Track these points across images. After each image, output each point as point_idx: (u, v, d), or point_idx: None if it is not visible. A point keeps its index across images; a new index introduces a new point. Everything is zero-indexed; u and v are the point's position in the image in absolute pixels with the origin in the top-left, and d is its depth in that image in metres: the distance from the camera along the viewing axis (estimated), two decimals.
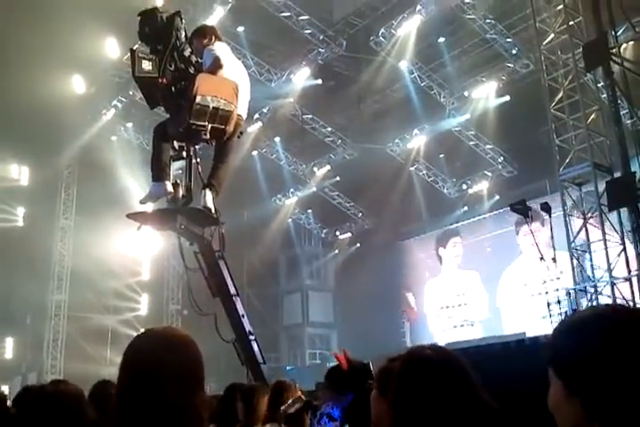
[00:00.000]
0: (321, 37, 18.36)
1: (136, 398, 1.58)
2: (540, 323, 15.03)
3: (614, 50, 11.61)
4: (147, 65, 5.44)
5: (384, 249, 22.26)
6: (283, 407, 3.55)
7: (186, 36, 5.75)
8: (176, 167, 5.96)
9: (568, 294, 11.52)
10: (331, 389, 3.33)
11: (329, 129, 21.29)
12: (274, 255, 24.91)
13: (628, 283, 11.37)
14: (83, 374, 12.59)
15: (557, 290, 11.91)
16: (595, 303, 10.79)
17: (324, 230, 25.44)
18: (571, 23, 12.40)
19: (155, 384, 1.58)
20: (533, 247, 11.87)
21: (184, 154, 5.85)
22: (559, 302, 11.47)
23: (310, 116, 20.86)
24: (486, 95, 18.75)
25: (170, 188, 5.58)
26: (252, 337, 5.84)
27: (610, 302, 10.77)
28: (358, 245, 24.23)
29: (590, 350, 1.11)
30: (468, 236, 20.53)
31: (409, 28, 17.61)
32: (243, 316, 5.87)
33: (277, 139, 22.13)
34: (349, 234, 24.65)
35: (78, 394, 2.57)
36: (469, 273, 20.32)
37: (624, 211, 11.21)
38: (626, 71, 11.78)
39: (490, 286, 19.42)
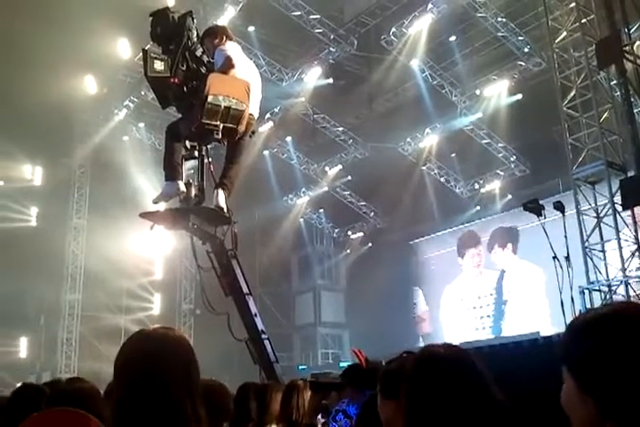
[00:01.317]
0: (332, 36, 18.35)
1: (133, 400, 1.58)
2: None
3: (627, 48, 11.53)
4: (159, 65, 5.47)
5: (396, 249, 22.22)
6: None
7: (197, 35, 5.78)
8: (188, 167, 5.99)
9: (582, 293, 11.46)
10: (349, 386, 3.34)
11: (340, 128, 21.28)
12: (286, 255, 24.93)
13: None
14: (96, 374, 12.66)
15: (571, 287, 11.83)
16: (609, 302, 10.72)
17: (336, 230, 25.43)
18: (583, 21, 12.32)
19: (151, 386, 1.58)
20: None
21: (196, 153, 5.87)
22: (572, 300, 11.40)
23: (322, 115, 20.86)
24: (498, 94, 18.68)
25: (182, 187, 5.61)
26: (264, 336, 5.85)
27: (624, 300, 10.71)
28: (370, 244, 24.21)
29: (604, 349, 1.10)
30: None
31: (420, 27, 17.57)
32: (255, 315, 5.88)
33: (289, 138, 22.15)
34: (361, 233, 24.63)
35: (94, 392, 2.59)
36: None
37: (638, 209, 11.14)
38: (639, 69, 11.69)
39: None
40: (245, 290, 5.94)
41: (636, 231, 11.19)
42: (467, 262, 21.13)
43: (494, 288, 19.82)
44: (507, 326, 18.82)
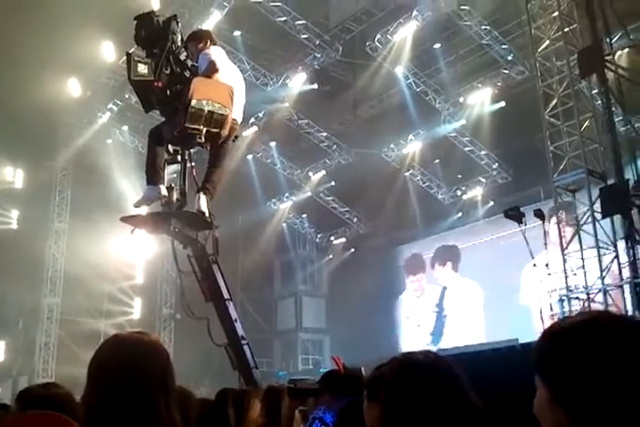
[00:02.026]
0: (317, 42, 18.40)
1: (106, 405, 1.57)
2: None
3: (609, 57, 11.69)
4: (142, 68, 5.45)
5: (378, 254, 22.27)
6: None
7: (182, 39, 5.77)
8: (171, 171, 5.96)
9: (561, 300, 11.55)
10: (327, 392, 3.33)
11: (324, 134, 21.32)
12: (268, 260, 24.87)
13: (620, 290, 11.41)
14: (74, 378, 12.53)
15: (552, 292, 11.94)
16: (587, 310, 10.81)
17: (319, 235, 25.43)
18: (566, 30, 12.45)
19: (125, 390, 1.57)
20: None
21: (179, 158, 5.85)
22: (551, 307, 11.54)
23: (306, 120, 20.89)
24: (481, 101, 18.83)
25: (164, 191, 5.58)
26: (244, 342, 5.82)
27: (602, 308, 10.78)
28: (353, 250, 24.23)
29: (577, 358, 1.10)
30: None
31: (405, 34, 17.68)
32: (235, 320, 5.85)
33: (273, 143, 22.15)
34: (344, 239, 24.65)
35: (69, 398, 2.55)
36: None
37: (617, 218, 11.25)
38: (620, 79, 11.85)
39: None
40: (226, 295, 5.91)
41: (614, 240, 11.30)
42: (409, 285, 22.60)
43: (436, 304, 20.98)
44: (446, 340, 19.81)
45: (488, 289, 19.14)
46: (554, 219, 12.24)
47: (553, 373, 1.14)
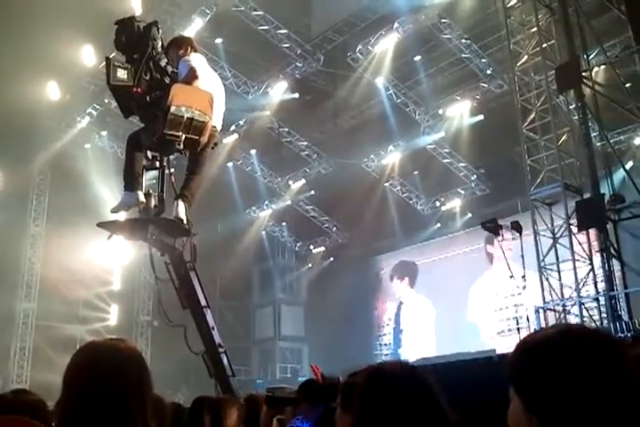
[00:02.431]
0: (299, 52, 18.47)
1: (81, 412, 1.56)
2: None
3: (586, 73, 11.86)
4: (122, 73, 5.42)
5: (357, 264, 22.30)
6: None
7: (162, 46, 5.75)
8: (149, 177, 5.92)
9: (537, 312, 11.63)
10: (305, 401, 3.31)
11: (305, 143, 21.35)
12: (247, 268, 24.78)
13: (595, 303, 11.53)
14: (49, 384, 12.34)
15: (519, 306, 12.04)
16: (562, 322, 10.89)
17: (298, 244, 25.40)
18: (544, 46, 12.64)
19: (101, 397, 1.56)
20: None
21: (157, 164, 5.82)
22: (521, 318, 11.64)
23: (287, 129, 20.92)
24: (460, 114, 18.97)
25: (142, 197, 5.54)
26: (221, 350, 5.78)
27: (578, 321, 10.88)
28: (332, 259, 24.24)
29: (551, 370, 1.12)
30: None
31: (386, 46, 17.80)
32: (213, 328, 5.82)
33: (253, 151, 22.13)
34: (323, 248, 24.65)
35: (42, 405, 2.52)
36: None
37: (593, 231, 11.39)
38: (597, 94, 12.03)
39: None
40: (203, 303, 5.88)
41: (590, 253, 11.43)
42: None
43: (393, 319, 21.68)
44: (404, 353, 20.32)
45: (439, 306, 20.02)
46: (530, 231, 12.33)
47: (527, 384, 1.15)
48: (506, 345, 14.65)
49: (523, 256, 11.56)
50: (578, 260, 11.42)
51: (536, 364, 1.15)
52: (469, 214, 20.23)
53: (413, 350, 19.83)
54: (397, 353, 20.52)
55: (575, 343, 1.14)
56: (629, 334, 9.35)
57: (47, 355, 19.58)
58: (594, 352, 1.13)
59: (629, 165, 14.25)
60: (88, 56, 18.12)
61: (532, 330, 11.25)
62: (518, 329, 11.79)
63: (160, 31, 5.74)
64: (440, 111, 19.49)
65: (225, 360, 5.76)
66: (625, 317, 10.62)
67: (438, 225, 21.34)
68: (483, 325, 18.49)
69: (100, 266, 21.33)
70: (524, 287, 11.47)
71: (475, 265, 19.04)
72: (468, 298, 19.09)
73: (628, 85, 12.17)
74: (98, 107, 19.99)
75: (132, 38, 5.60)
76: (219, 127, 5.75)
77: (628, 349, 1.17)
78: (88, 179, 19.62)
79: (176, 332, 5.86)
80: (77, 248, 19.34)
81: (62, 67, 18.23)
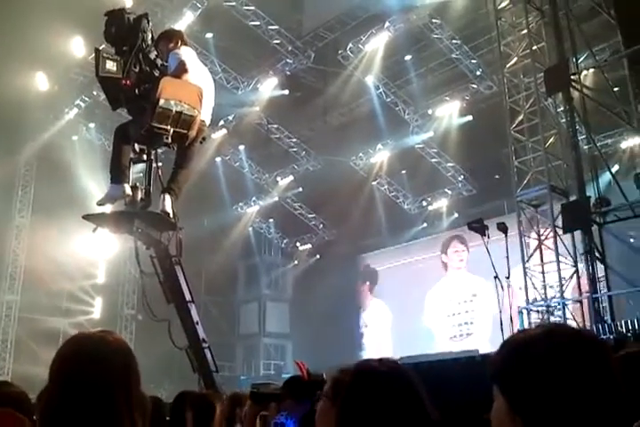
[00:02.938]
0: (289, 48, 18.43)
1: (67, 404, 1.55)
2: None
3: (575, 76, 11.91)
4: (111, 65, 5.38)
5: (343, 262, 22.31)
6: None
7: (152, 38, 5.71)
8: (136, 170, 5.89)
9: (520, 312, 11.70)
10: (289, 398, 3.31)
11: (294, 140, 21.32)
12: (233, 263, 24.72)
13: (579, 304, 11.61)
14: (32, 377, 12.25)
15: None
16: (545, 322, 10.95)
17: (285, 241, 25.38)
18: (534, 48, 12.68)
19: (88, 389, 1.56)
20: None
21: (145, 157, 5.79)
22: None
23: (276, 125, 20.87)
24: (449, 114, 19.02)
25: (128, 190, 5.51)
26: (205, 345, 5.77)
27: (560, 321, 10.96)
28: (318, 256, 24.24)
29: (534, 370, 1.12)
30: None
31: (377, 44, 17.81)
32: (197, 323, 5.80)
33: (242, 147, 22.07)
34: (309, 245, 24.65)
35: (22, 397, 2.50)
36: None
37: (578, 233, 11.45)
38: (585, 98, 12.09)
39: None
40: (188, 297, 5.86)
41: (575, 255, 11.50)
42: None
43: (355, 321, 22.26)
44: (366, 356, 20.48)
45: (396, 311, 20.73)
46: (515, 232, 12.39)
47: (510, 384, 1.15)
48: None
49: (507, 257, 11.60)
50: (562, 262, 11.49)
51: (520, 363, 1.15)
52: (456, 214, 20.30)
53: (374, 354, 19.88)
54: (359, 355, 20.63)
55: (560, 343, 1.15)
56: (612, 337, 9.41)
57: (30, 348, 19.46)
58: (578, 352, 1.13)
59: (615, 168, 14.33)
60: (77, 47, 17.97)
61: (482, 336, 11.35)
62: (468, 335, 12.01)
63: (150, 24, 5.71)
64: (429, 111, 19.53)
65: (209, 355, 5.75)
66: (608, 319, 10.70)
67: (425, 224, 21.40)
68: (437, 329, 19.33)
69: (84, 259, 21.20)
70: (509, 286, 11.50)
71: (432, 272, 19.83)
72: (424, 303, 19.75)
73: (616, 89, 12.23)
74: (86, 99, 19.84)
75: (121, 30, 5.57)
76: (207, 122, 5.73)
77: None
78: (75, 171, 19.49)
79: (160, 326, 5.84)
80: (62, 240, 19.22)
81: (51, 58, 18.07)
